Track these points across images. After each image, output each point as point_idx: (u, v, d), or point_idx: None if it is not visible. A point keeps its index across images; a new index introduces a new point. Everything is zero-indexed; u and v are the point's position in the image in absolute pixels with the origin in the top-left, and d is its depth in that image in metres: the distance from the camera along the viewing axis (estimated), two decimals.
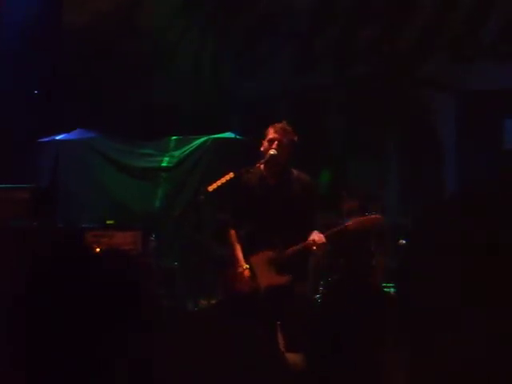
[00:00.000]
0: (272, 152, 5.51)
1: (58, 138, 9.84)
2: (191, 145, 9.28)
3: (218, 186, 5.48)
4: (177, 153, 9.34)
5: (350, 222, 5.47)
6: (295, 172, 5.51)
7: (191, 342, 2.14)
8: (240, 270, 5.41)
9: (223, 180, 5.52)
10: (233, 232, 5.58)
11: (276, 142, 5.45)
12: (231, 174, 5.54)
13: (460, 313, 1.30)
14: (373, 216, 5.74)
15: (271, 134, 5.49)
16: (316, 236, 5.23)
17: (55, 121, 9.96)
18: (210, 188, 5.52)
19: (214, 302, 6.79)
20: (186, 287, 8.04)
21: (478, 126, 8.69)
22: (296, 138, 5.52)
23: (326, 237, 5.25)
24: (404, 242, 6.87)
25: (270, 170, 5.50)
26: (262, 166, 5.50)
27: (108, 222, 8.06)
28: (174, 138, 9.46)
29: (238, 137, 9.21)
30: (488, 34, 8.79)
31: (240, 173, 5.58)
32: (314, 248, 5.23)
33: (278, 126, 5.51)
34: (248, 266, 5.42)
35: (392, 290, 6.25)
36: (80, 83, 10.22)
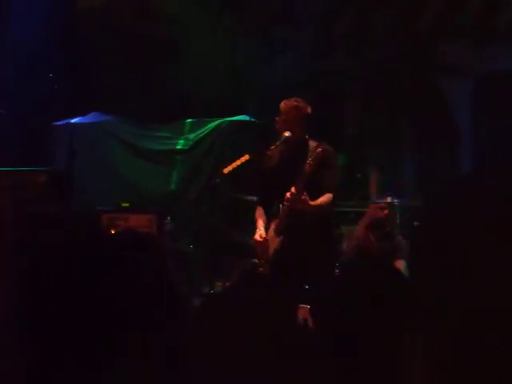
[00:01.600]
0: (287, 134, 5.51)
1: (72, 121, 9.86)
2: (206, 127, 9.29)
3: (234, 169, 5.49)
4: (192, 135, 9.34)
5: None
6: (312, 143, 5.49)
7: (209, 323, 2.15)
8: (256, 234, 5.47)
9: (238, 162, 5.53)
10: (258, 208, 5.62)
11: (289, 122, 5.46)
12: (246, 157, 5.56)
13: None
14: None
15: (283, 113, 5.50)
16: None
17: (70, 104, 9.97)
18: (226, 170, 5.53)
19: (228, 284, 6.81)
20: (202, 270, 8.06)
21: (494, 109, 8.64)
22: (309, 110, 5.52)
23: (294, 186, 5.19)
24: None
25: (286, 146, 5.52)
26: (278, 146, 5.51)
27: (123, 204, 8.08)
28: (189, 120, 9.46)
29: (252, 119, 9.20)
30: (503, 16, 8.73)
31: (260, 155, 5.60)
32: (285, 203, 5.27)
33: (289, 104, 5.50)
34: (262, 229, 5.45)
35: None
36: (95, 66, 10.22)
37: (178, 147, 9.38)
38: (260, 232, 5.45)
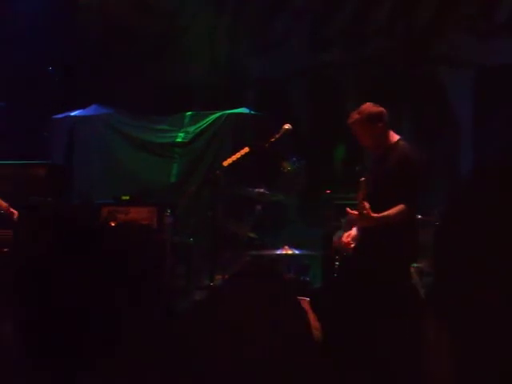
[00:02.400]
0: (286, 127, 5.55)
1: (72, 114, 9.85)
2: (206, 120, 9.28)
3: (234, 161, 5.49)
4: (191, 128, 9.34)
5: None
6: (399, 146, 5.29)
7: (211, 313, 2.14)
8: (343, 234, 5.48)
9: (238, 155, 5.53)
10: None
11: (358, 137, 5.35)
12: (246, 149, 5.55)
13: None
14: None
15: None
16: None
17: (70, 97, 9.97)
18: (226, 163, 5.53)
19: (228, 276, 6.80)
20: (202, 263, 8.06)
21: (495, 101, 8.61)
22: (368, 113, 5.31)
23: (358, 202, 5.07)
24: (420, 217, 6.83)
25: (372, 148, 5.39)
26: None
27: (123, 197, 8.06)
28: (189, 113, 9.46)
29: (252, 112, 9.19)
30: (502, 9, 8.71)
31: (260, 147, 5.61)
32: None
33: (349, 120, 5.36)
34: (353, 230, 5.43)
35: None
36: (95, 60, 10.20)
37: (178, 140, 9.37)
38: (345, 234, 5.44)
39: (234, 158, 5.53)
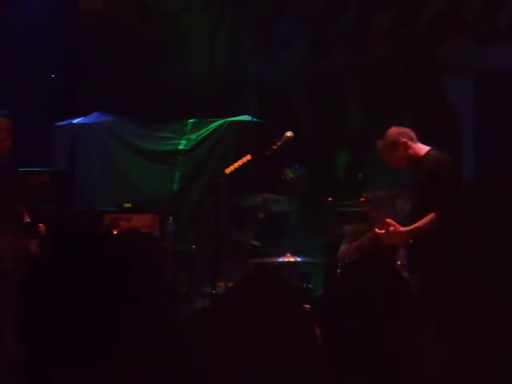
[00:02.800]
0: (288, 134, 5.56)
1: (74, 121, 9.86)
2: (208, 128, 9.29)
3: (236, 168, 5.50)
4: (194, 136, 9.35)
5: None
6: (428, 157, 5.32)
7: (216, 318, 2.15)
8: None
9: (240, 162, 5.54)
10: None
11: (390, 163, 5.43)
12: (248, 157, 5.56)
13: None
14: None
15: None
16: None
17: (71, 104, 9.97)
18: (228, 170, 5.54)
19: (231, 284, 6.81)
20: (204, 270, 8.07)
21: (495, 104, 8.62)
22: (389, 135, 5.39)
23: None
24: None
25: (405, 167, 5.43)
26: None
27: (125, 205, 8.08)
28: (191, 120, 9.47)
29: (254, 119, 9.20)
30: (504, 14, 8.72)
31: (262, 155, 5.64)
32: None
33: (379, 153, 5.45)
34: None
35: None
36: (95, 62, 10.21)
37: (180, 147, 9.37)
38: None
39: (235, 165, 5.54)
